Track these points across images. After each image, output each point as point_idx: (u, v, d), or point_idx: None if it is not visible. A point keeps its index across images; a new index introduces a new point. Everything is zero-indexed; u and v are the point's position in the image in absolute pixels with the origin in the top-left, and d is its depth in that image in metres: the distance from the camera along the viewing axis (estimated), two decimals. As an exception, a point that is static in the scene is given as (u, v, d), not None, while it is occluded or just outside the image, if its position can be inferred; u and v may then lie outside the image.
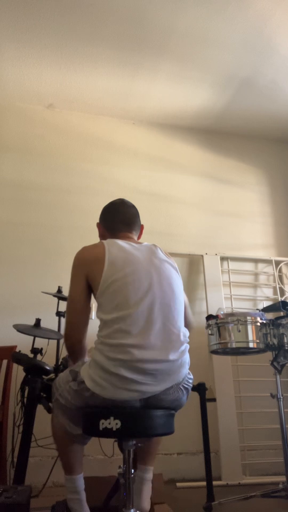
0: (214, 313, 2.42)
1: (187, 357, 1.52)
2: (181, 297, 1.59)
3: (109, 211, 1.80)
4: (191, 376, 1.55)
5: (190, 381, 1.55)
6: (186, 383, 1.51)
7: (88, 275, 1.55)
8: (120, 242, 1.61)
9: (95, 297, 1.53)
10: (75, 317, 1.55)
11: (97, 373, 1.40)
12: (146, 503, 1.64)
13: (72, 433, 1.55)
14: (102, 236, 1.81)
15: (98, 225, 1.84)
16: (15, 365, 2.38)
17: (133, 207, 1.82)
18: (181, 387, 1.49)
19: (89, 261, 1.56)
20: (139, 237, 1.83)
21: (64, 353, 2.32)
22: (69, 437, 1.57)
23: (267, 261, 3.60)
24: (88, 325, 1.58)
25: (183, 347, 1.50)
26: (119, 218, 1.77)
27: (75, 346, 1.56)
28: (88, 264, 1.55)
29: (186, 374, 1.50)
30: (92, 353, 1.48)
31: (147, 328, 1.43)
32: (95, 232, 1.91)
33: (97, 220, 1.85)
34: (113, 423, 1.32)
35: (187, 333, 1.56)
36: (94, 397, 1.40)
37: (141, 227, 1.84)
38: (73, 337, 1.55)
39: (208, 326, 2.36)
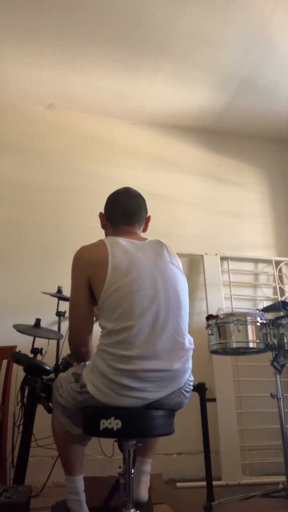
0: (214, 313, 2.42)
1: (190, 363, 1.49)
2: (187, 303, 1.54)
3: (112, 201, 1.72)
4: (192, 379, 1.53)
5: (191, 383, 1.53)
6: (187, 386, 1.50)
7: (89, 278, 1.48)
8: (123, 242, 1.53)
9: (96, 302, 1.48)
10: (79, 323, 1.51)
11: (99, 379, 1.39)
12: (144, 493, 1.65)
13: (72, 434, 1.55)
14: (104, 227, 1.75)
15: (101, 214, 1.76)
16: (15, 365, 2.38)
17: (137, 196, 1.72)
18: (183, 391, 1.47)
19: (90, 264, 1.49)
20: (145, 229, 1.76)
21: (64, 353, 2.33)
22: (69, 437, 1.56)
23: (267, 261, 3.60)
24: (92, 329, 1.55)
25: (188, 354, 1.47)
26: (120, 209, 1.68)
27: (81, 350, 1.53)
28: (89, 266, 1.48)
29: (188, 378, 1.49)
30: (93, 358, 1.46)
31: (151, 338, 1.39)
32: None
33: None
34: (114, 423, 1.32)
35: (192, 339, 1.52)
36: (95, 401, 1.40)
37: (147, 218, 1.76)
38: (78, 341, 1.52)
39: (208, 326, 2.36)
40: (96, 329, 1.55)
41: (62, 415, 1.55)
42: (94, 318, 1.62)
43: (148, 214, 1.78)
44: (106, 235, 1.75)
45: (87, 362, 1.54)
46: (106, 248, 1.49)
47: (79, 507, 1.55)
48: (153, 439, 1.72)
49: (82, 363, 1.56)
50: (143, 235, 1.75)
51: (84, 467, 1.64)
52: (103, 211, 1.76)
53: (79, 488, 1.57)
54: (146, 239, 1.64)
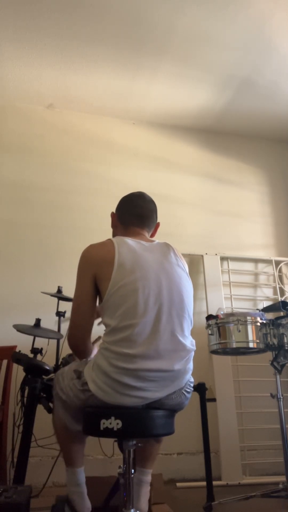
0: (214, 313, 2.42)
1: (191, 364, 1.50)
2: (190, 305, 1.55)
3: (126, 202, 1.75)
4: (192, 380, 1.54)
5: (191, 384, 1.53)
6: (188, 387, 1.50)
7: (95, 275, 1.49)
8: (130, 241, 1.55)
9: (101, 300, 1.49)
10: (80, 318, 1.52)
11: (100, 378, 1.39)
12: (144, 505, 1.64)
13: (72, 429, 1.55)
14: (114, 227, 1.77)
15: (112, 214, 1.78)
16: (15, 365, 2.38)
17: (151, 202, 1.76)
18: (183, 392, 1.48)
19: (97, 261, 1.50)
20: (153, 235, 1.78)
21: (64, 353, 2.33)
22: (69, 432, 1.57)
23: (267, 261, 3.60)
24: (92, 325, 1.56)
25: (189, 356, 1.48)
26: (133, 211, 1.71)
27: (79, 347, 1.54)
28: (96, 264, 1.50)
29: (188, 379, 1.49)
30: (95, 356, 1.46)
31: (154, 338, 1.40)
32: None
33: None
34: (114, 423, 1.31)
35: (194, 341, 1.53)
36: (96, 399, 1.40)
37: (157, 224, 1.78)
38: (77, 338, 1.52)
39: (208, 326, 2.36)
40: (99, 328, 1.56)
41: (62, 409, 1.56)
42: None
43: (158, 220, 1.81)
44: (114, 234, 1.78)
45: (88, 359, 1.54)
46: (113, 247, 1.51)
47: (80, 498, 1.55)
48: (153, 447, 1.71)
49: (84, 359, 1.56)
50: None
51: (84, 467, 1.64)
52: (114, 211, 1.79)
53: (81, 480, 1.58)
54: (154, 241, 1.65)
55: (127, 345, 1.38)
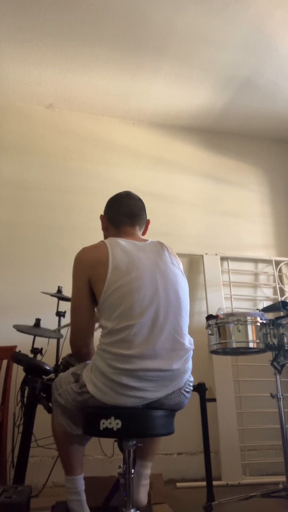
0: (214, 313, 2.41)
1: (190, 364, 1.50)
2: (187, 303, 1.55)
3: (114, 203, 1.75)
4: (192, 379, 1.53)
5: (191, 384, 1.53)
6: (187, 387, 1.50)
7: (90, 278, 1.49)
8: (123, 242, 1.55)
9: (96, 303, 1.49)
10: (80, 323, 1.52)
11: (99, 379, 1.39)
12: (143, 497, 1.64)
13: (72, 433, 1.55)
14: (105, 229, 1.76)
15: (102, 217, 1.78)
16: (15, 365, 2.38)
17: (138, 200, 1.76)
18: (183, 392, 1.48)
19: (91, 264, 1.50)
20: (144, 232, 1.78)
21: (64, 353, 2.33)
22: (69, 437, 1.57)
23: (267, 261, 3.60)
24: (94, 329, 1.56)
25: (188, 355, 1.47)
26: (123, 210, 1.70)
27: (82, 351, 1.54)
28: (90, 267, 1.50)
29: (187, 379, 1.49)
30: (94, 358, 1.46)
31: (151, 338, 1.40)
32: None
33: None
34: (114, 423, 1.32)
35: (192, 340, 1.53)
36: (95, 400, 1.40)
37: (147, 222, 1.79)
38: (80, 342, 1.53)
39: (208, 326, 2.36)
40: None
41: (62, 415, 1.56)
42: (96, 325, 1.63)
43: (148, 217, 1.81)
44: (105, 237, 1.76)
45: (87, 362, 1.54)
46: (107, 249, 1.51)
47: (80, 507, 1.55)
48: (153, 441, 1.71)
49: (82, 363, 1.56)
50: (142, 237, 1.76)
51: (84, 467, 1.64)
52: (103, 214, 1.78)
53: (80, 488, 1.58)
54: (147, 240, 1.65)
55: (124, 346, 1.38)
